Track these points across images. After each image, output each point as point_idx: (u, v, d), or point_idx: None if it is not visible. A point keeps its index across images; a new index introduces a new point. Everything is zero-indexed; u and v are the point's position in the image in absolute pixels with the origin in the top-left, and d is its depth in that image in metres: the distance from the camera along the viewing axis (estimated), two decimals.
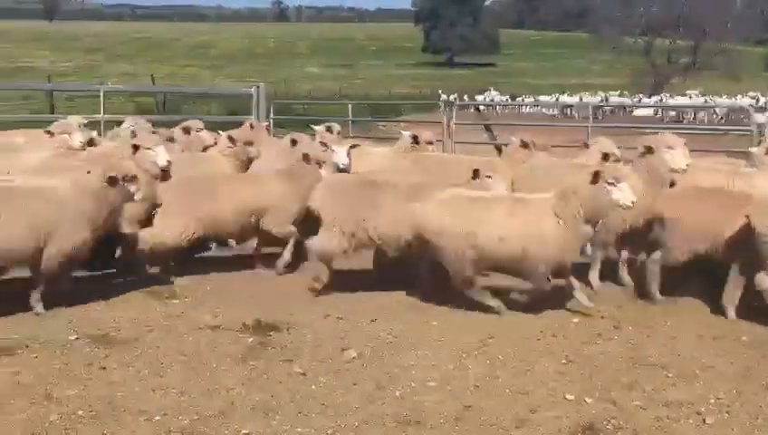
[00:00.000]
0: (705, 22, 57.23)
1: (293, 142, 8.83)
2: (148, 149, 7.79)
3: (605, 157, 8.11)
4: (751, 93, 45.07)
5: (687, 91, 50.59)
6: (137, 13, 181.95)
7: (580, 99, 44.10)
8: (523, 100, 50.08)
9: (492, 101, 41.82)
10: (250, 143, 8.83)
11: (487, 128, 11.74)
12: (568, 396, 4.95)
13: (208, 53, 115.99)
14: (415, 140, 9.19)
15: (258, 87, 12.14)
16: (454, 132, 10.89)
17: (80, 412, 4.76)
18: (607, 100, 41.60)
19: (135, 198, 6.76)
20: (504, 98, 52.20)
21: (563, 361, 5.57)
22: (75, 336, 6.04)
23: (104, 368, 5.45)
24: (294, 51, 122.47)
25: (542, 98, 48.48)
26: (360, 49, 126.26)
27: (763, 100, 40.48)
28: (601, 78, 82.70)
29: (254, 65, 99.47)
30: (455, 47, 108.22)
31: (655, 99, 43.96)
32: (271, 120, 13.17)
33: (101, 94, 11.52)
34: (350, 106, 16.99)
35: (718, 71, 57.78)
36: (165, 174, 7.84)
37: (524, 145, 8.62)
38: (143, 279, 7.67)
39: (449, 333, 6.16)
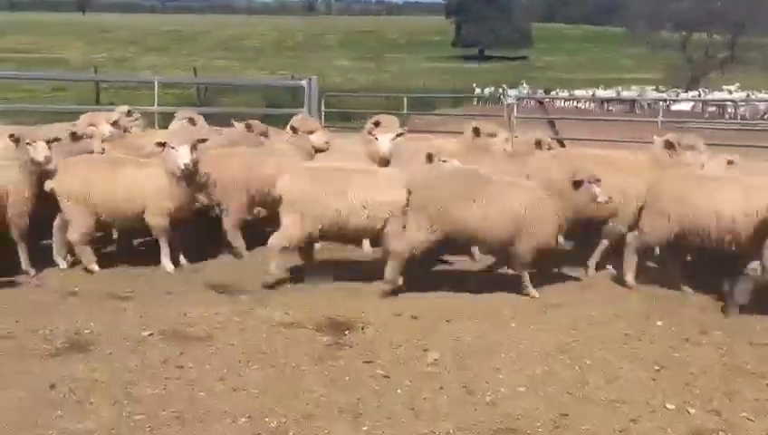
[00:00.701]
0: (741, 16, 56.22)
1: None
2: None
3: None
4: None
5: (724, 87, 49.67)
6: (167, 6, 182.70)
7: (639, 94, 43.06)
8: (557, 93, 49.45)
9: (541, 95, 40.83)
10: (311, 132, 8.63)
11: (551, 123, 11.43)
12: (668, 405, 4.73)
13: (239, 45, 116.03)
14: (476, 132, 8.88)
15: (311, 80, 11.97)
16: (515, 127, 10.63)
17: (162, 413, 4.64)
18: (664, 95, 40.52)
19: None
20: (540, 91, 51.68)
21: (656, 367, 5.35)
22: (148, 332, 5.92)
23: (181, 366, 5.32)
24: (324, 44, 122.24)
25: (598, 92, 47.44)
26: (389, 42, 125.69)
27: None
28: (633, 72, 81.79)
29: (283, 58, 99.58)
30: (485, 41, 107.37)
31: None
32: (322, 113, 13.01)
33: (156, 85, 11.44)
34: (405, 99, 16.75)
35: (756, 65, 56.73)
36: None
37: (669, 145, 8.07)
38: (205, 274, 7.61)
39: (528, 335, 5.97)
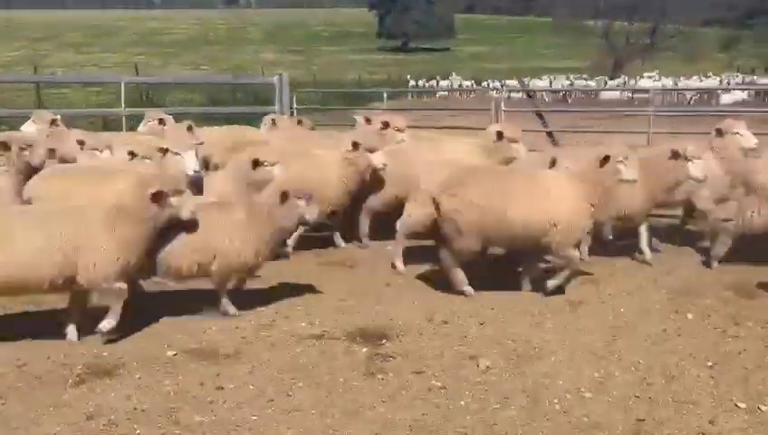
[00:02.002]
0: (664, 3, 57.80)
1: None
2: (176, 153, 7.28)
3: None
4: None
5: (645, 74, 50.91)
6: (81, 0, 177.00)
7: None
8: (488, 84, 49.80)
9: (504, 86, 40.69)
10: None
11: (539, 115, 11.30)
12: (739, 404, 4.66)
13: (159, 40, 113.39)
14: (499, 136, 8.66)
15: (281, 76, 11.59)
16: (503, 120, 10.46)
17: None
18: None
19: None
20: (469, 83, 51.99)
21: (708, 363, 5.29)
22: (173, 352, 5.57)
23: (221, 387, 5.00)
24: (247, 37, 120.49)
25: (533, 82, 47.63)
26: (313, 35, 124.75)
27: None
28: (556, 61, 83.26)
29: (207, 52, 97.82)
30: (409, 32, 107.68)
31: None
32: (294, 111, 12.63)
33: (122, 87, 10.86)
34: (384, 94, 16.47)
35: (676, 52, 58.44)
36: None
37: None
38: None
39: (569, 336, 5.85)
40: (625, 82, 45.90)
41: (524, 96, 12.78)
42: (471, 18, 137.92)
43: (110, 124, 12.69)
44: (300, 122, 9.45)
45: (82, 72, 58.48)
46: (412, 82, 48.38)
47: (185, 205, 5.80)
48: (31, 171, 7.21)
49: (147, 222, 5.66)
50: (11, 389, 4.96)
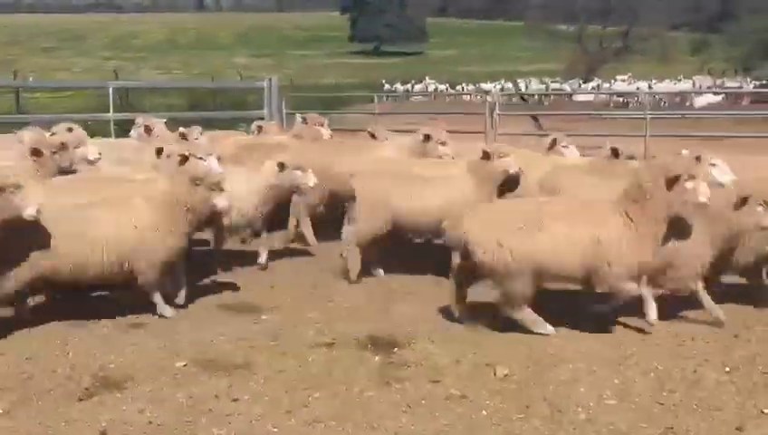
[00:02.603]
0: (636, 6, 58.31)
1: None
2: (200, 158, 7.21)
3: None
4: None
5: (618, 76, 51.19)
6: (48, 4, 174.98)
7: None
8: (464, 87, 49.87)
9: (502, 89, 40.19)
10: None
11: (534, 118, 11.25)
12: (765, 410, 4.63)
13: (129, 44, 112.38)
14: (426, 138, 8.59)
15: (270, 80, 11.46)
16: (498, 123, 10.40)
17: None
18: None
19: None
20: (443, 87, 52.05)
21: (726, 368, 5.27)
22: (182, 363, 5.44)
23: (236, 399, 4.88)
24: (218, 41, 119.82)
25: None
26: (285, 38, 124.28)
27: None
28: (529, 65, 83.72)
29: (178, 56, 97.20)
30: (382, 36, 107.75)
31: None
32: (284, 115, 12.50)
33: (110, 92, 10.66)
34: (375, 97, 16.34)
35: (648, 55, 58.95)
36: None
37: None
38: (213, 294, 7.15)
39: (583, 344, 5.79)
40: (599, 86, 46.11)
41: (519, 99, 12.73)
42: (442, 22, 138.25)
43: (93, 128, 12.43)
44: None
45: (52, 77, 57.49)
46: (387, 86, 48.27)
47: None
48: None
49: None
50: (18, 404, 4.81)
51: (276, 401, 4.84)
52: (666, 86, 40.36)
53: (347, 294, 7.16)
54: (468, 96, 44.90)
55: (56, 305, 6.69)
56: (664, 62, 57.28)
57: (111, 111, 10.65)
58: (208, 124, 13.93)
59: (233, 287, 7.40)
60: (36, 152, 7.26)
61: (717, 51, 62.19)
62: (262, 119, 11.13)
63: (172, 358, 5.53)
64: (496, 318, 6.04)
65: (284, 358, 5.54)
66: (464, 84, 52.94)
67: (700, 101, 33.89)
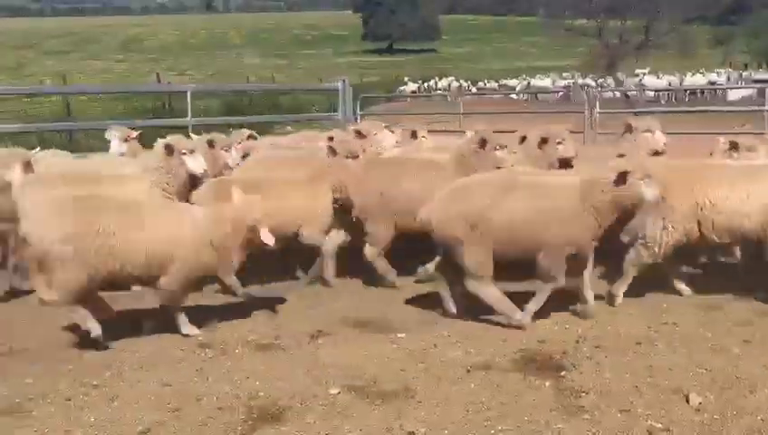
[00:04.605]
0: (656, 1, 57.64)
1: None
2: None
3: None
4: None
5: (638, 71, 50.52)
6: (57, 8, 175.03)
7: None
8: (485, 84, 49.39)
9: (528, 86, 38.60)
10: None
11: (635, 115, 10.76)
12: None
13: (140, 46, 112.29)
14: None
15: (344, 81, 11.07)
16: (597, 122, 9.91)
17: None
18: None
19: None
20: (465, 84, 51.53)
21: None
22: (335, 390, 5.03)
23: (412, 432, 4.47)
24: (229, 42, 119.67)
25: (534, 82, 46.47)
26: (295, 38, 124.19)
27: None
28: (543, 60, 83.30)
29: (189, 57, 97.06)
30: (394, 34, 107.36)
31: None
32: (358, 117, 12.11)
33: (189, 96, 10.27)
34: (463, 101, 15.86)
35: (671, 50, 58.31)
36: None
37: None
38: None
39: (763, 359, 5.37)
40: (623, 81, 45.14)
41: (622, 96, 12.19)
42: (453, 19, 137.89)
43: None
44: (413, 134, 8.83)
45: (71, 81, 57.10)
46: (411, 84, 47.82)
47: None
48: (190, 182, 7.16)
49: None
50: None
51: (459, 434, 4.44)
52: (695, 80, 39.73)
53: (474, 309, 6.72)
54: (516, 95, 43.07)
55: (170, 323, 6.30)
56: (685, 56, 56.68)
57: (190, 115, 10.24)
58: (263, 129, 13.65)
59: (355, 302, 7.02)
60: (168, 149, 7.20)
61: (740, 43, 61.58)
62: (337, 121, 10.73)
63: (321, 385, 5.13)
64: None
65: (443, 383, 5.13)
66: (485, 81, 52.50)
67: (733, 95, 33.40)
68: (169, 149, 7.05)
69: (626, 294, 6.70)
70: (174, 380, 5.25)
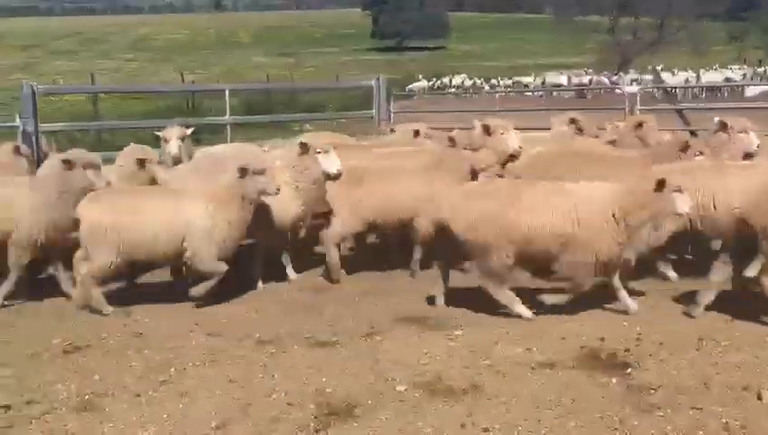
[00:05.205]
0: None
1: None
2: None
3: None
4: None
5: (649, 67, 50.20)
6: (66, 7, 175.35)
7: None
8: (498, 81, 49.20)
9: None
10: None
11: (680, 113, 10.66)
12: None
13: (149, 45, 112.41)
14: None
15: (378, 78, 11.05)
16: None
17: None
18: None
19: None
20: (479, 81, 51.29)
21: None
22: (403, 387, 5.04)
23: (487, 429, 4.48)
24: (237, 41, 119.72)
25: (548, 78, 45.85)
26: (304, 37, 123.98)
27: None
28: (554, 58, 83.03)
29: (198, 57, 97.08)
30: (404, 31, 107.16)
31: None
32: (391, 115, 12.09)
33: (227, 94, 10.26)
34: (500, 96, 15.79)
35: (684, 46, 58.07)
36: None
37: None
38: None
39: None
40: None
41: (662, 92, 12.14)
42: (460, 16, 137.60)
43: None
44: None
45: (81, 80, 57.16)
46: (424, 82, 47.64)
47: None
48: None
49: None
50: None
51: (534, 431, 4.44)
52: (712, 76, 39.52)
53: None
54: (531, 92, 42.48)
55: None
56: (698, 53, 56.44)
57: (228, 114, 10.24)
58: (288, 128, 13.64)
59: (402, 299, 7.02)
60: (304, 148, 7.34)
61: (755, 39, 61.32)
62: (371, 118, 10.72)
63: (387, 381, 5.14)
64: None
65: (509, 380, 5.13)
66: (498, 78, 52.26)
67: (751, 91, 33.20)
68: (304, 148, 7.17)
69: (681, 294, 6.70)
70: (239, 376, 5.27)
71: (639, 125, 7.52)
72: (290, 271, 7.65)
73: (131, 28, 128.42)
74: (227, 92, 10.11)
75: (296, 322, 6.44)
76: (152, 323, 6.46)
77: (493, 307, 6.52)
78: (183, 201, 6.65)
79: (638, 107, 10.44)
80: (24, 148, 8.17)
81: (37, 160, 8.74)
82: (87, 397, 4.96)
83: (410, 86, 45.90)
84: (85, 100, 20.29)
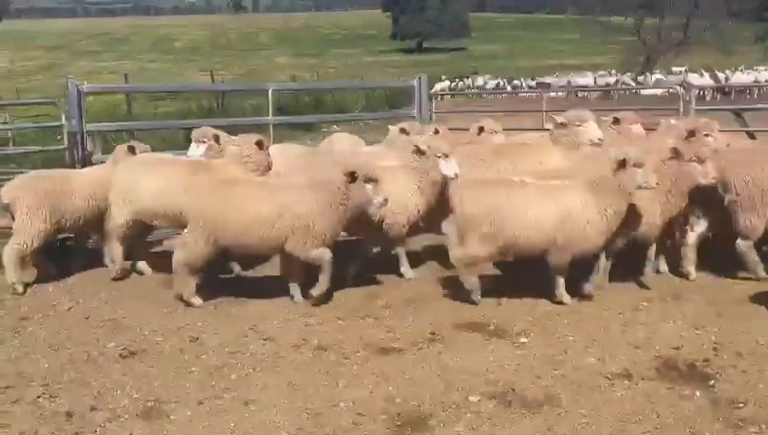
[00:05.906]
0: None
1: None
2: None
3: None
4: None
5: (674, 68, 49.68)
6: (89, 8, 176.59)
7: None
8: (521, 81, 48.84)
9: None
10: None
11: (737, 114, 10.38)
12: None
13: (171, 46, 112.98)
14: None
15: (420, 78, 10.85)
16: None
17: None
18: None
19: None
20: (501, 82, 50.96)
21: None
22: (476, 398, 4.83)
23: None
24: (258, 41, 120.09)
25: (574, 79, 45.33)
26: (325, 38, 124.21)
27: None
28: (576, 58, 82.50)
29: (220, 57, 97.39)
30: (424, 32, 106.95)
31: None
32: (432, 114, 11.90)
33: (270, 94, 10.12)
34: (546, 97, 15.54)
35: (709, 46, 57.45)
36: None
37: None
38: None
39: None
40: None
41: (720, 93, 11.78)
42: (481, 16, 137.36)
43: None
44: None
45: (108, 80, 57.36)
46: (446, 82, 47.36)
47: None
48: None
49: None
50: None
51: None
52: (739, 77, 38.96)
53: (572, 316, 6.47)
54: (555, 93, 41.94)
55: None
56: (725, 53, 55.78)
57: (270, 114, 10.10)
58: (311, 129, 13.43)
59: (452, 303, 6.80)
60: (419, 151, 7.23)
61: None
62: (413, 118, 10.51)
63: (458, 391, 4.94)
64: None
65: (584, 392, 4.91)
66: (522, 79, 51.91)
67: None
68: (421, 152, 7.05)
69: (751, 300, 6.46)
70: (303, 383, 5.09)
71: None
72: (405, 269, 7.54)
73: (152, 29, 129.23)
74: (270, 92, 9.98)
75: (354, 327, 6.23)
76: (205, 326, 6.27)
77: (552, 313, 6.34)
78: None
79: (693, 106, 10.13)
80: (140, 146, 7.93)
81: (82, 160, 8.59)
82: (150, 404, 4.80)
83: (433, 89, 45.71)
84: (119, 100, 20.22)
